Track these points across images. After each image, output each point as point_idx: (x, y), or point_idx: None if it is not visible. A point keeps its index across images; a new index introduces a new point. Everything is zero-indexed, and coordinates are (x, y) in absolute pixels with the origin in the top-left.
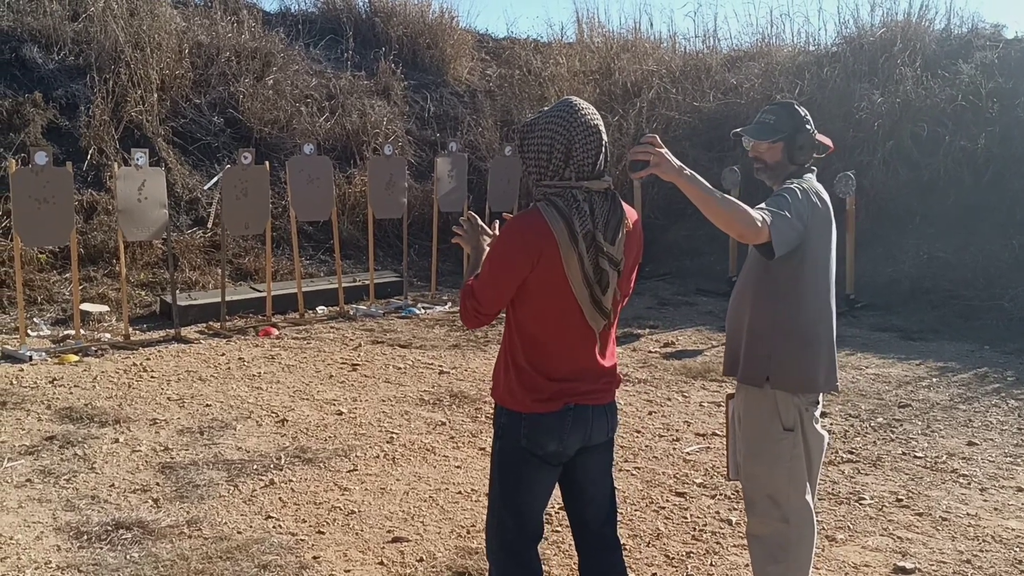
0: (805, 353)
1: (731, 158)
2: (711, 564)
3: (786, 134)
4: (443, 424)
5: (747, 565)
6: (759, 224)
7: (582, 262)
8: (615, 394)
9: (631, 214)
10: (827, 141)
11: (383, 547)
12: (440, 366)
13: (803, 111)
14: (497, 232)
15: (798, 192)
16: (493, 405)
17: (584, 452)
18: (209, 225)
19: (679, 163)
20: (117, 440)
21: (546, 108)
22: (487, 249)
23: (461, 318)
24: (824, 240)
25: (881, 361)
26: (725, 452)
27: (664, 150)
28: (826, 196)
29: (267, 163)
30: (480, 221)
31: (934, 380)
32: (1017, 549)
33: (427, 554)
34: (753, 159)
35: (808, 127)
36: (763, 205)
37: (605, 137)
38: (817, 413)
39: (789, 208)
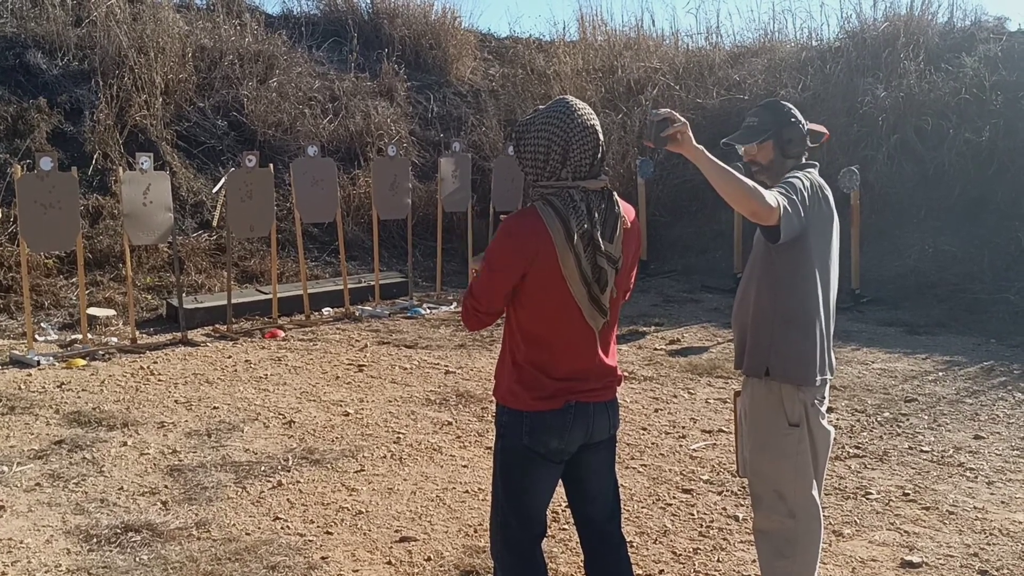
0: (804, 344)
1: (735, 155)
2: (718, 560)
3: (772, 132)
4: (449, 424)
5: (754, 561)
6: (773, 204)
7: (579, 261)
8: (616, 391)
9: (629, 212)
10: (821, 128)
11: (391, 547)
12: (446, 366)
13: (787, 106)
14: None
15: (806, 182)
16: (495, 405)
17: (586, 449)
18: (214, 225)
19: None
20: (125, 443)
21: (542, 107)
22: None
23: (462, 319)
24: (824, 233)
25: (887, 356)
26: (734, 449)
27: (688, 128)
28: (828, 192)
29: (271, 166)
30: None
31: (940, 374)
32: None
33: (435, 553)
34: (750, 163)
35: (794, 120)
36: (775, 189)
37: (601, 137)
38: (823, 408)
39: (798, 196)
